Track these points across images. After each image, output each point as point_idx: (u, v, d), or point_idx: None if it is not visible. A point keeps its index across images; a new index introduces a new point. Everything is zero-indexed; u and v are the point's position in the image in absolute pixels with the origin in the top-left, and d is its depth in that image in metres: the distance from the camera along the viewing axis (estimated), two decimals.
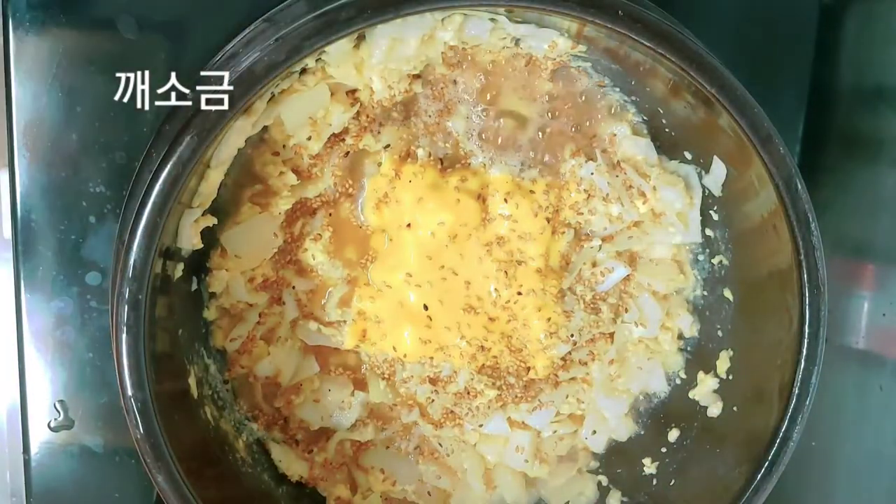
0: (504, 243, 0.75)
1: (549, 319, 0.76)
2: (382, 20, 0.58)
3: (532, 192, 0.75)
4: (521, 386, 0.79)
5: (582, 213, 0.76)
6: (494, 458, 0.81)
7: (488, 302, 0.76)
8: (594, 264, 0.78)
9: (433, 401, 0.79)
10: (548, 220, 0.75)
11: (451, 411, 0.79)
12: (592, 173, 0.75)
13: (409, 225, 0.74)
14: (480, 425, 0.79)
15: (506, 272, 0.75)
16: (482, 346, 0.77)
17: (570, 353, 0.78)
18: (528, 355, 0.78)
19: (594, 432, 0.81)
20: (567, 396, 0.79)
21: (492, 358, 0.77)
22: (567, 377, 0.79)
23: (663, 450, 0.79)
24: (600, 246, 0.77)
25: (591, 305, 0.78)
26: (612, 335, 0.79)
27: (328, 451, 0.79)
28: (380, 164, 0.74)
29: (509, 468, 0.81)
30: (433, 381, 0.78)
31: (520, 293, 0.75)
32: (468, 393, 0.78)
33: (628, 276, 0.78)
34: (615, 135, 0.75)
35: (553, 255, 0.76)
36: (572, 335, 0.77)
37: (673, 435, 0.79)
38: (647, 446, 0.80)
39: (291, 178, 0.73)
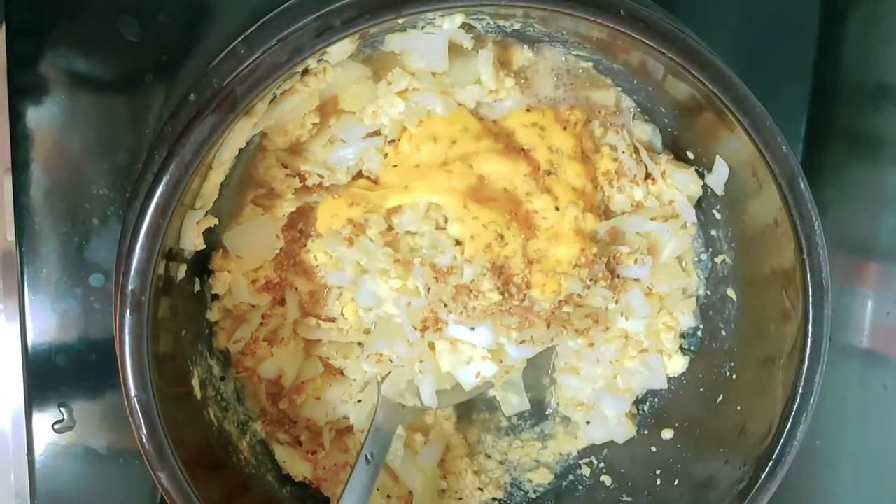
0: (534, 151, 0.74)
1: (582, 250, 0.73)
2: (383, 21, 0.58)
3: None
4: (519, 300, 0.74)
5: (613, 185, 0.76)
6: (448, 368, 0.76)
7: (518, 196, 0.73)
8: (628, 247, 0.77)
9: (429, 289, 0.72)
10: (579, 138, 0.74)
11: (439, 314, 0.73)
12: (622, 148, 0.75)
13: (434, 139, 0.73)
14: (472, 328, 0.73)
15: (536, 181, 0.72)
16: (501, 236, 0.72)
17: (577, 297, 0.75)
18: (541, 272, 0.74)
19: (588, 423, 0.81)
20: (552, 340, 0.76)
21: (503, 258, 0.72)
22: (559, 321, 0.76)
23: (666, 449, 0.79)
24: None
25: (610, 279, 0.77)
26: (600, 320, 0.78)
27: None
28: (385, 155, 0.74)
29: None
30: (434, 269, 0.73)
31: (557, 208, 0.73)
32: (470, 291, 0.72)
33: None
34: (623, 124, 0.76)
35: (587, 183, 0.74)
36: (591, 280, 0.74)
37: (676, 434, 0.79)
38: (649, 445, 0.80)
39: (295, 182, 0.73)
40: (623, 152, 0.75)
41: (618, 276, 0.77)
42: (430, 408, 0.79)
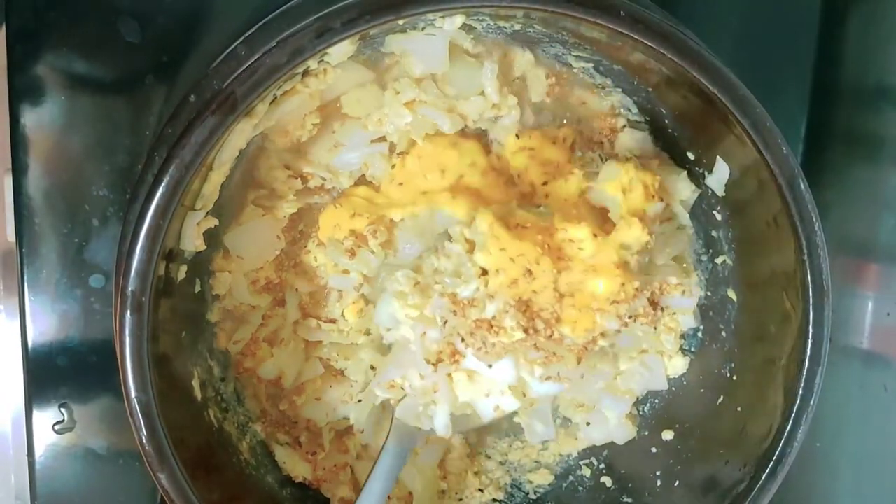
0: (526, 173, 0.72)
1: (622, 285, 0.67)
2: (383, 22, 0.58)
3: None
4: (546, 336, 0.69)
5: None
6: (466, 398, 0.73)
7: (551, 225, 0.68)
8: (675, 277, 0.73)
9: (446, 322, 0.69)
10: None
11: (457, 345, 0.69)
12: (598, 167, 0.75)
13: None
14: (490, 366, 0.70)
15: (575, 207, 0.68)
16: (529, 272, 0.67)
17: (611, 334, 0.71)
18: (573, 306, 0.68)
19: (588, 423, 0.81)
20: (582, 376, 0.72)
21: (531, 292, 0.67)
22: (592, 357, 0.73)
23: (666, 450, 0.79)
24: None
25: (652, 314, 0.72)
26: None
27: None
28: (393, 166, 0.74)
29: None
30: (454, 300, 0.68)
31: (595, 234, 0.67)
32: (491, 326, 0.68)
33: None
34: (614, 130, 0.75)
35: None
36: (630, 317, 0.69)
37: (676, 435, 0.79)
38: (650, 446, 0.80)
39: (297, 184, 0.73)
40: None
41: (661, 309, 0.73)
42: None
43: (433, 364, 0.70)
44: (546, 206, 0.72)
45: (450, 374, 0.71)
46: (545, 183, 0.73)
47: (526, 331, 0.68)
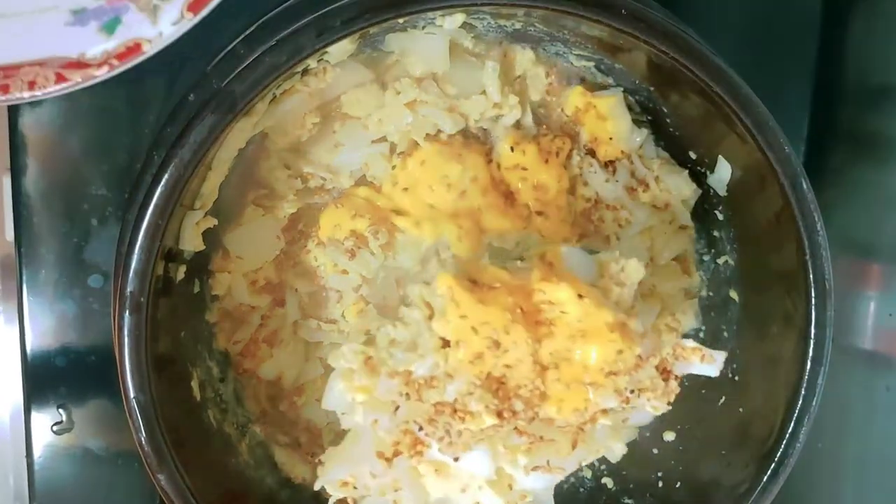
0: (519, 194, 0.68)
1: (619, 352, 0.56)
2: (383, 20, 0.58)
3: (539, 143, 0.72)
4: (527, 419, 0.58)
5: (592, 221, 0.75)
6: (440, 494, 0.61)
7: (527, 284, 0.56)
8: (692, 340, 0.64)
9: (398, 407, 0.57)
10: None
11: (416, 433, 0.58)
12: (595, 172, 0.74)
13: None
14: (456, 459, 0.57)
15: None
16: (496, 343, 0.55)
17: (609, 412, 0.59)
18: (559, 381, 0.57)
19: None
20: (580, 464, 0.61)
21: (503, 367, 0.56)
22: (589, 440, 0.62)
23: (668, 451, 0.78)
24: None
25: (664, 385, 0.61)
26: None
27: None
28: (394, 167, 0.74)
29: None
30: (408, 379, 0.57)
31: (581, 295, 0.56)
32: (455, 411, 0.57)
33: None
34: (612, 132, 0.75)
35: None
36: (631, 391, 0.57)
37: (677, 436, 0.78)
38: (651, 447, 0.80)
39: (297, 184, 0.73)
40: (594, 172, 0.74)
41: (675, 378, 0.62)
42: None
43: (386, 459, 0.58)
44: (526, 259, 0.64)
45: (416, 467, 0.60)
46: (540, 213, 0.72)
47: (500, 414, 0.56)
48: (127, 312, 0.59)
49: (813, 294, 0.65)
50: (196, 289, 0.73)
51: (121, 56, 0.50)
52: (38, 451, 0.77)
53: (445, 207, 0.71)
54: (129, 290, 0.59)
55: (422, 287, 0.59)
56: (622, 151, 0.74)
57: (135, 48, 0.50)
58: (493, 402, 0.56)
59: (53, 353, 0.76)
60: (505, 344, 0.55)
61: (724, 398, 0.76)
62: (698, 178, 0.75)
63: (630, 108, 0.75)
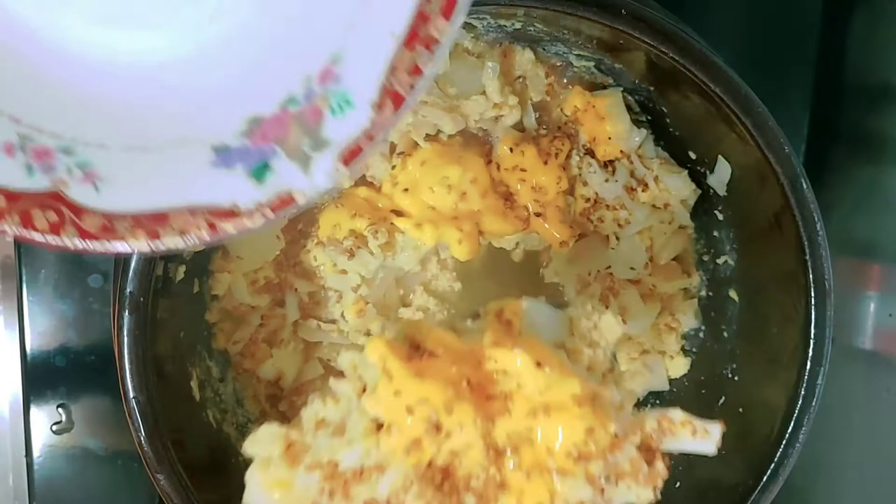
0: (518, 196, 0.71)
1: (590, 430, 0.46)
2: None
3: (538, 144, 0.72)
4: None
5: (591, 221, 0.75)
6: None
7: (477, 351, 0.47)
8: (681, 412, 0.52)
9: None
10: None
11: None
12: (594, 172, 0.74)
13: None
14: None
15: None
16: (436, 426, 0.45)
17: None
18: (519, 468, 0.46)
19: None
20: None
21: (448, 454, 0.46)
22: None
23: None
24: None
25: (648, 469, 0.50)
26: None
27: None
28: (393, 167, 0.73)
29: None
30: (332, 471, 0.47)
31: (539, 363, 0.47)
32: None
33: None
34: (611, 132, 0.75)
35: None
36: (607, 478, 0.47)
37: None
38: None
39: None
40: (593, 172, 0.74)
41: (663, 457, 0.50)
42: None
43: None
44: (481, 318, 0.53)
45: None
46: (539, 214, 0.73)
47: None
48: (126, 312, 0.59)
49: (813, 294, 0.65)
50: (196, 289, 0.73)
51: (274, 208, 0.44)
52: (37, 451, 0.77)
53: (446, 210, 0.72)
54: (128, 289, 0.59)
55: (353, 353, 0.49)
56: (621, 151, 0.74)
57: (288, 200, 0.44)
58: (437, 499, 0.46)
59: (53, 353, 0.76)
60: (447, 426, 0.45)
61: (723, 398, 0.76)
62: (698, 178, 0.75)
63: (629, 108, 0.75)
